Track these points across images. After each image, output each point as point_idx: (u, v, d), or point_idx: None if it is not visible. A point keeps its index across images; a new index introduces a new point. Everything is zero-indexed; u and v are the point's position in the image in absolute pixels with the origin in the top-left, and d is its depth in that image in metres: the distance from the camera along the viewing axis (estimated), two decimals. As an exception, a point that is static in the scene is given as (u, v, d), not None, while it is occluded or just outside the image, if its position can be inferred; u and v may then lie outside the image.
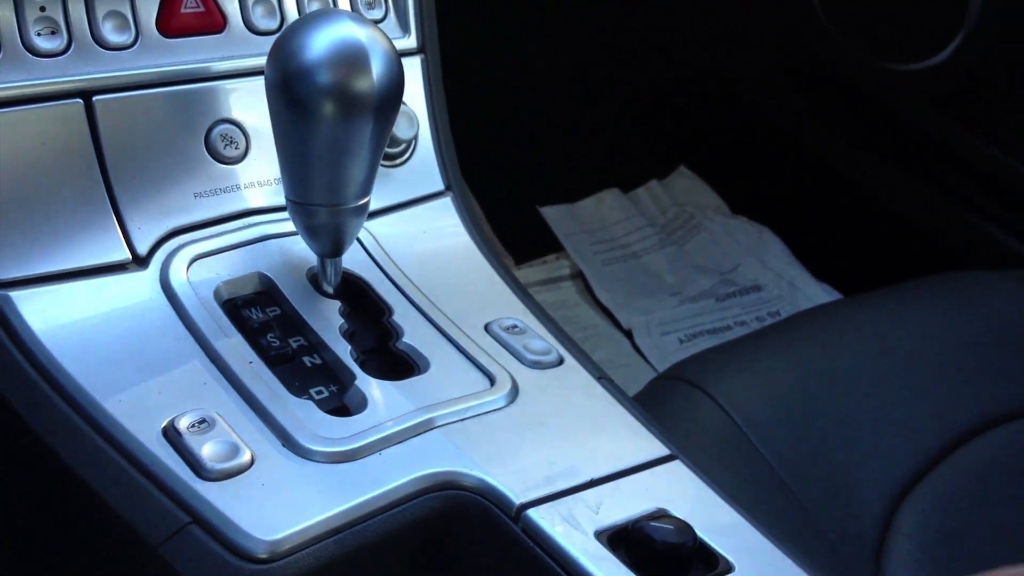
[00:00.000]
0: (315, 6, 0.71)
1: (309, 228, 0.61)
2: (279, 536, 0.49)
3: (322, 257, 0.63)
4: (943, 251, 1.39)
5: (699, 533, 0.51)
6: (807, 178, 1.54)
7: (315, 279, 0.65)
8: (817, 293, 1.46)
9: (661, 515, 0.52)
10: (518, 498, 0.53)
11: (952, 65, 1.31)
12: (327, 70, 0.54)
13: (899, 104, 1.40)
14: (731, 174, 1.61)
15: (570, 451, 0.56)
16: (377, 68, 0.55)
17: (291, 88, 0.54)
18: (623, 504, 0.53)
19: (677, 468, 0.57)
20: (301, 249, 0.66)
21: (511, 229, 1.43)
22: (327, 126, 0.55)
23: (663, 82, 1.61)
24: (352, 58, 0.54)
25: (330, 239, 0.61)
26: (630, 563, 0.50)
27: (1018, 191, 1.32)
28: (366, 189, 0.60)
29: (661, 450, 0.58)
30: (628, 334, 1.40)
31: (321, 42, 0.54)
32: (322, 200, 0.59)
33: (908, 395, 0.80)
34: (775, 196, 1.58)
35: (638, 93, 1.61)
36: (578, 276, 1.48)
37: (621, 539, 0.51)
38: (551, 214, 1.53)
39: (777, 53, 1.52)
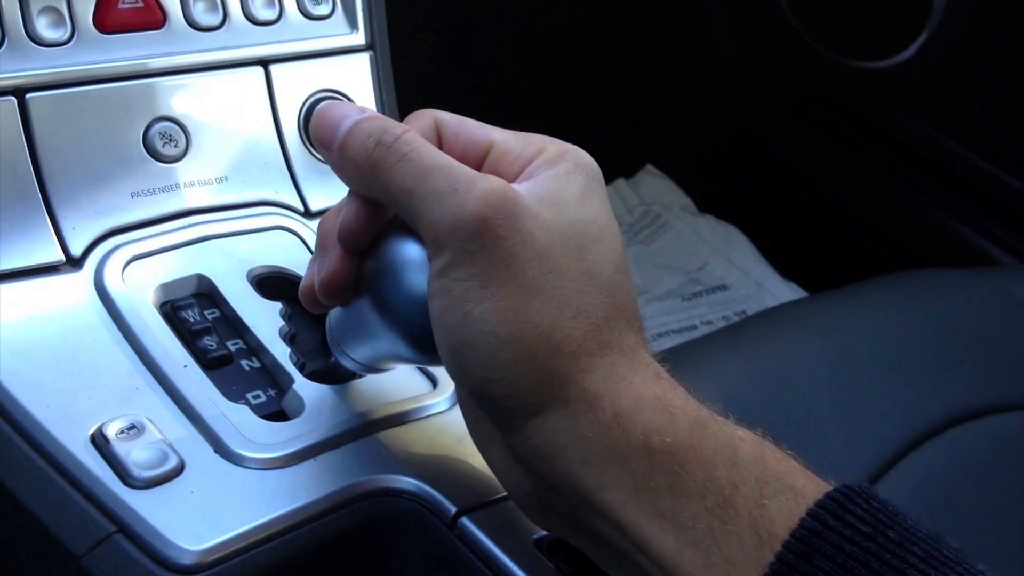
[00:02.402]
0: (259, 0, 0.70)
1: None
2: (206, 545, 0.48)
3: None
4: (910, 249, 1.39)
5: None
6: (774, 177, 1.54)
7: (256, 281, 0.64)
8: (784, 292, 1.46)
9: (600, 521, 0.51)
10: (455, 505, 0.51)
11: (917, 62, 1.31)
12: None
13: (866, 103, 1.40)
14: (698, 172, 1.61)
15: (511, 456, 0.55)
16: None
17: None
18: (562, 510, 0.52)
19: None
20: (243, 250, 0.64)
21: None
22: None
23: (629, 80, 1.61)
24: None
25: None
26: (567, 571, 0.49)
27: (984, 189, 1.32)
28: None
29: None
30: (594, 333, 1.39)
31: None
32: None
33: (864, 396, 0.79)
34: (742, 195, 1.57)
35: (604, 91, 1.60)
36: (544, 275, 1.47)
37: (558, 546, 0.50)
38: (517, 213, 1.52)
39: (743, 52, 1.51)
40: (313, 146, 0.69)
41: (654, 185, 1.60)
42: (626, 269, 0.45)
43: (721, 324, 1.42)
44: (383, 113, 0.75)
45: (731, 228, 1.53)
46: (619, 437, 0.40)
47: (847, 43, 1.36)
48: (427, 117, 0.49)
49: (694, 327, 1.41)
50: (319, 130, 0.47)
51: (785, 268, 1.49)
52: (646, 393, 0.41)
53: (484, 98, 1.46)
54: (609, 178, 1.61)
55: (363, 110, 0.47)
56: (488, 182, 0.43)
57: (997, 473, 0.78)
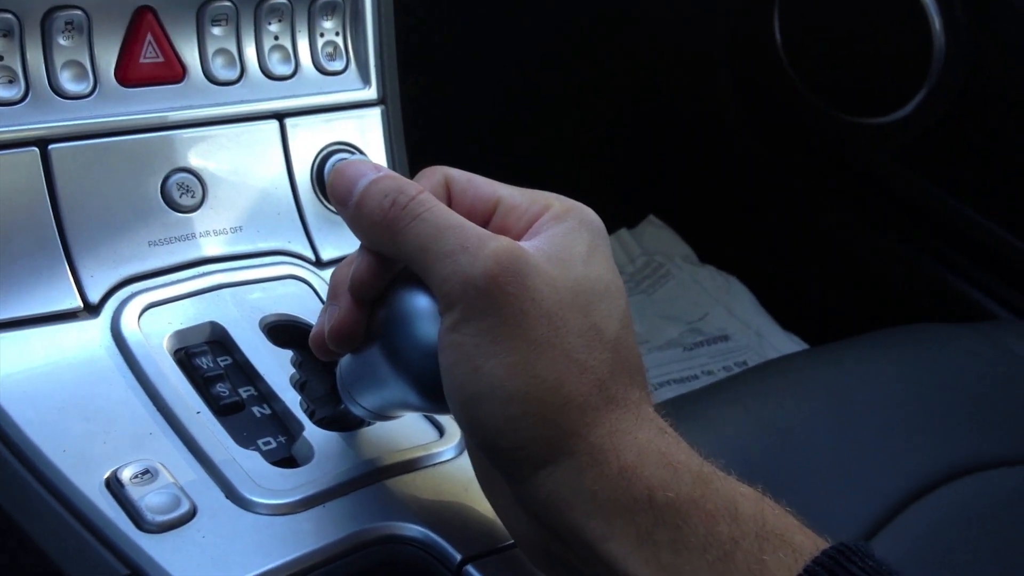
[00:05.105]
0: (276, 56, 0.72)
1: None
2: (216, 590, 0.49)
3: None
4: (908, 302, 1.40)
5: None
6: (775, 228, 1.56)
7: (267, 329, 0.65)
8: (784, 343, 1.47)
9: (603, 571, 0.52)
10: (460, 552, 0.52)
11: (916, 119, 1.33)
12: None
13: (864, 156, 1.42)
14: (700, 223, 1.63)
15: (515, 505, 0.56)
16: None
17: None
18: (565, 559, 0.53)
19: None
20: (255, 298, 0.66)
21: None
22: None
23: (632, 131, 1.63)
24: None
25: None
26: (570, 619, 0.50)
27: (982, 244, 1.33)
28: None
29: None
30: (595, 382, 1.39)
31: None
32: None
33: (862, 450, 0.80)
34: (743, 245, 1.59)
35: (607, 142, 1.62)
36: (547, 323, 1.48)
37: (562, 595, 0.51)
38: (521, 261, 1.54)
39: (745, 105, 1.54)
40: (326, 199, 0.71)
41: (656, 235, 1.62)
42: (630, 325, 0.46)
43: (722, 374, 1.43)
44: (392, 164, 0.77)
45: (732, 279, 1.55)
46: (624, 491, 0.41)
47: (846, 99, 1.39)
48: (438, 174, 0.51)
49: (695, 377, 1.42)
50: (336, 188, 0.49)
51: (785, 319, 1.51)
52: (650, 448, 0.42)
53: (489, 148, 1.49)
54: (612, 228, 1.63)
55: (378, 168, 0.49)
56: (498, 242, 0.44)
57: (993, 529, 0.78)
